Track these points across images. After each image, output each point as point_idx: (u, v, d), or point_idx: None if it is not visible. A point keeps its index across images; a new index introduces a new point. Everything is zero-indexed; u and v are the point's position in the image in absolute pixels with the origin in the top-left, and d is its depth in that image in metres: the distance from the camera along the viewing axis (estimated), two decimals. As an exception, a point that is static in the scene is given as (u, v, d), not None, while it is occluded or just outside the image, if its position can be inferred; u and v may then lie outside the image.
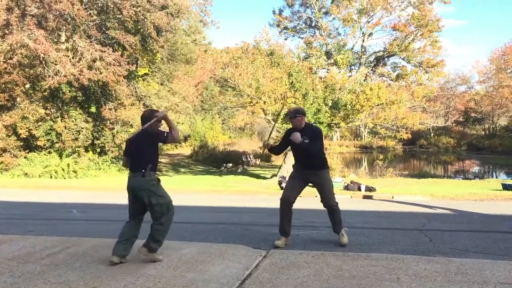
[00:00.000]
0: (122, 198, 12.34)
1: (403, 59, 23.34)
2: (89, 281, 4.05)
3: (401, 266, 4.54)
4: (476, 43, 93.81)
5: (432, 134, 56.99)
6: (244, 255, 4.96)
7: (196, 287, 3.89)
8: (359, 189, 13.83)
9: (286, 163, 20.06)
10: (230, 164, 29.34)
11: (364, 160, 40.34)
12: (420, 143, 55.31)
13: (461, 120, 57.99)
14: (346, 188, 14.39)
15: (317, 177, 5.76)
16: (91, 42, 20.08)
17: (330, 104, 19.04)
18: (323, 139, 6.11)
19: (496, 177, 27.64)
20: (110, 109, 22.23)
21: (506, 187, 14.98)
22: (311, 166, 5.74)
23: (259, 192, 14.09)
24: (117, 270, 4.37)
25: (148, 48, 23.13)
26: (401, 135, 21.92)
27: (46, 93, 21.57)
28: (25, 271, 4.33)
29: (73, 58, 19.63)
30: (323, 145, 6.03)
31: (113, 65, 19.60)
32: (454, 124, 58.28)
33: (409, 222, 7.87)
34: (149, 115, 4.81)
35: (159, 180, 4.88)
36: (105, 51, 19.51)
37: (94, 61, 19.56)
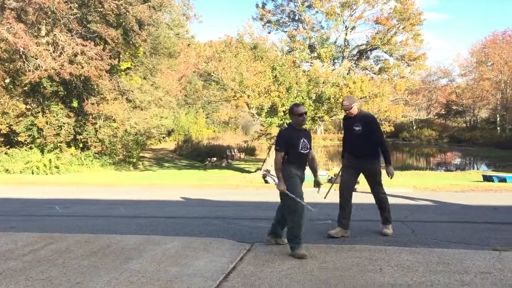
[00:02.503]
0: (105, 193, 12.31)
1: (385, 52, 23.50)
2: (72, 277, 4.01)
3: (383, 257, 4.60)
4: (457, 37, 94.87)
5: (414, 127, 57.65)
6: (229, 249, 4.97)
7: (180, 281, 3.88)
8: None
9: (270, 156, 20.11)
10: (215, 158, 29.31)
11: (348, 153, 40.50)
12: (402, 135, 55.96)
13: (443, 112, 58.74)
14: (330, 181, 14.46)
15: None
16: (72, 36, 19.79)
17: (313, 97, 19.08)
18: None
19: (477, 169, 28.11)
20: (92, 104, 22.00)
21: (486, 178, 15.25)
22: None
23: (244, 186, 14.10)
24: (100, 266, 4.34)
25: (131, 42, 22.90)
26: (384, 128, 22.09)
27: (26, 88, 21.24)
28: (7, 268, 4.28)
29: (53, 52, 19.33)
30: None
31: (95, 59, 19.36)
32: (436, 117, 59.00)
33: (392, 214, 7.95)
34: None
35: None
36: (86, 45, 19.25)
37: (75, 55, 19.30)
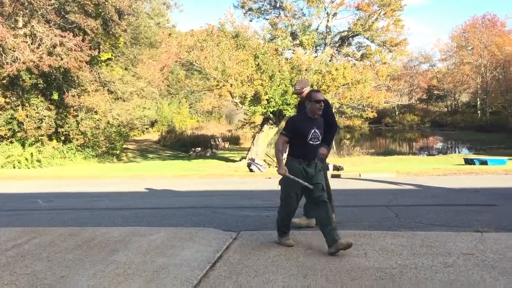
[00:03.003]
0: (88, 186, 12.20)
1: (367, 38, 23.54)
2: (57, 270, 3.98)
3: (368, 241, 4.65)
4: (437, 22, 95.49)
5: (397, 112, 58.16)
6: (215, 238, 4.97)
7: (167, 271, 3.88)
8: (327, 168, 13.99)
9: (255, 145, 20.13)
10: (199, 148, 29.22)
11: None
12: (385, 121, 56.45)
13: (425, 97, 59.32)
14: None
15: None
16: (50, 27, 19.43)
17: (296, 85, 19.09)
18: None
19: (459, 152, 28.50)
20: (73, 96, 21.70)
21: (468, 161, 15.48)
22: None
23: (229, 175, 14.10)
24: (85, 259, 4.31)
25: (110, 32, 22.58)
26: (367, 114, 22.22)
27: (5, 81, 20.84)
28: (-10, 264, 4.22)
29: (32, 44, 18.98)
30: None
31: (75, 50, 19.06)
32: (417, 102, 59.56)
33: (376, 198, 8.05)
34: None
35: None
36: (65, 36, 18.93)
37: (54, 46, 18.97)
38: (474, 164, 14.73)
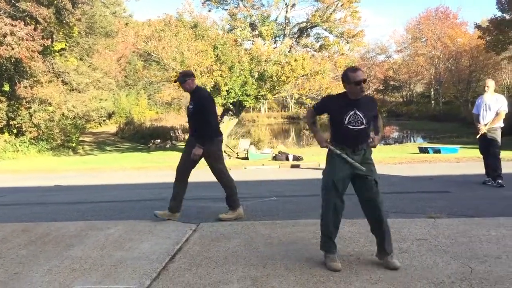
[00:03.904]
0: (43, 179, 11.83)
1: (325, 29, 23.77)
2: (10, 267, 3.85)
3: (327, 230, 4.72)
4: (394, 13, 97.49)
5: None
6: (174, 230, 4.93)
7: (125, 265, 3.82)
8: (287, 159, 14.13)
9: (215, 136, 20.03)
10: (158, 140, 28.84)
11: (292, 131, 41.23)
12: (343, 111, 57.28)
13: (381, 88, 60.61)
14: (275, 158, 14.65)
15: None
16: (0, 15, 18.62)
17: (256, 76, 19.09)
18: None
19: (414, 141, 29.38)
20: (25, 87, 20.93)
21: (422, 150, 15.95)
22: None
23: (189, 167, 13.97)
24: (39, 255, 4.19)
25: (64, 21, 21.87)
26: (327, 105, 22.50)
27: (-49, 71, 19.89)
28: None
29: (-21, 33, 18.16)
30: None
31: (26, 40, 18.38)
32: (374, 92, 60.74)
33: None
34: None
35: None
36: (16, 25, 18.21)
37: (4, 36, 18.21)
38: (428, 152, 15.19)
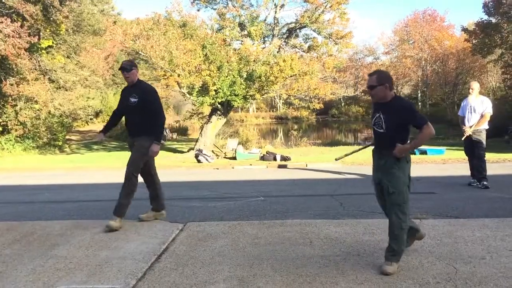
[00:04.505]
0: (28, 178, 11.69)
1: (314, 30, 23.76)
2: (-7, 267, 3.80)
3: (313, 230, 4.74)
4: (382, 14, 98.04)
5: (342, 104, 59.48)
6: (161, 230, 4.91)
7: (110, 265, 3.79)
8: (275, 159, 14.14)
9: (203, 136, 19.99)
10: (146, 139, 28.63)
11: (280, 131, 41.31)
12: (332, 112, 57.64)
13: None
14: (262, 158, 14.64)
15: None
16: (-15, 12, 18.39)
17: (245, 76, 19.05)
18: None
19: (401, 143, 29.51)
20: (11, 85, 20.62)
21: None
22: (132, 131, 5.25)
23: (176, 166, 13.93)
24: (24, 254, 4.14)
25: (51, 18, 21.60)
26: (314, 106, 22.53)
27: None
28: None
29: (-35, 29, 17.87)
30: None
31: (12, 37, 18.11)
32: (362, 94, 60.80)
33: (321, 188, 8.21)
34: None
35: None
36: (2, 22, 17.94)
37: (-11, 32, 17.96)
38: (414, 154, 15.29)
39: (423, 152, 15.07)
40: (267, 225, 5.00)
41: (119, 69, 5.08)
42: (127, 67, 5.04)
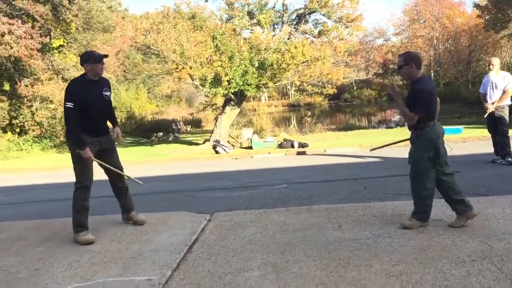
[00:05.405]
0: (49, 177, 11.83)
1: (323, 15, 23.56)
2: (30, 264, 3.88)
3: (341, 214, 4.74)
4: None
5: (355, 88, 59.04)
6: (189, 221, 4.94)
7: (144, 257, 3.84)
8: (292, 146, 14.12)
9: (218, 127, 20.02)
10: (161, 133, 28.83)
11: (293, 118, 41.19)
12: (344, 97, 57.24)
13: (381, 72, 60.33)
14: (280, 146, 14.65)
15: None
16: (-4, 14, 18.53)
17: (256, 65, 19.00)
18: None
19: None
20: (26, 86, 20.86)
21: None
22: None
23: (195, 158, 14.00)
24: (57, 250, 4.21)
25: (61, 17, 21.72)
26: (327, 91, 22.45)
27: (-49, 73, 19.83)
28: (-44, 263, 4.05)
29: (-23, 33, 18.06)
30: None
31: (24, 38, 18.27)
32: (374, 77, 60.54)
33: (343, 172, 8.18)
34: None
35: None
36: (13, 24, 18.09)
37: (2, 35, 18.11)
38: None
39: (441, 132, 14.94)
40: (294, 212, 5.01)
41: (100, 59, 4.54)
42: (103, 59, 4.63)
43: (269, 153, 13.41)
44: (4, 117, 20.93)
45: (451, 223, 4.09)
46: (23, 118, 21.64)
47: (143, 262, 3.72)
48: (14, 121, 21.65)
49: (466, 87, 39.35)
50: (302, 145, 14.06)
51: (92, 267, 3.69)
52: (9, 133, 21.68)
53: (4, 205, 7.76)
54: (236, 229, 4.52)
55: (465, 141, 12.21)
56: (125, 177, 4.84)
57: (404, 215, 4.48)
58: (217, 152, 14.61)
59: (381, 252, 3.56)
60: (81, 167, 4.56)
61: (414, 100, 4.02)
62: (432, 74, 51.67)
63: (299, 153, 12.88)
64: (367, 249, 3.66)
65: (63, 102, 4.51)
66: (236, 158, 12.66)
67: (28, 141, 21.92)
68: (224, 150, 14.56)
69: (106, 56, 4.77)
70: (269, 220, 4.72)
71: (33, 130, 21.71)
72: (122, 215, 4.99)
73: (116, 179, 4.90)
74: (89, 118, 4.50)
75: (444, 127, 14.22)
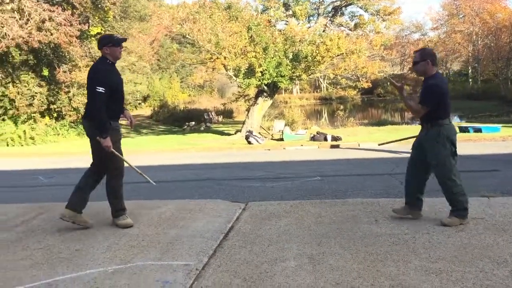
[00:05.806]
0: (85, 161, 12.09)
1: (360, 7, 23.27)
2: (71, 244, 3.98)
3: (377, 209, 4.69)
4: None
5: (388, 83, 58.06)
6: (224, 209, 4.98)
7: (181, 242, 3.89)
8: (326, 139, 14.04)
9: (250, 118, 20.06)
10: (193, 123, 29.09)
11: (324, 112, 40.90)
12: (377, 92, 56.39)
13: (416, 67, 59.16)
14: (313, 139, 14.58)
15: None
16: (38, 1, 18.95)
17: (291, 56, 18.92)
18: None
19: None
20: (64, 72, 21.36)
21: (462, 129, 15.55)
22: None
23: (227, 148, 14.09)
24: (97, 232, 4.31)
25: (99, 5, 22.11)
26: (362, 84, 22.19)
27: (-6, 58, 20.45)
28: (1, 239, 4.20)
29: (20, 19, 18.53)
30: None
31: (64, 25, 18.64)
32: (409, 72, 59.38)
33: (378, 167, 8.09)
34: None
35: None
36: (54, 11, 18.48)
37: (43, 22, 18.54)
38: (468, 132, 14.81)
39: (478, 130, 14.61)
40: (329, 204, 4.98)
41: (120, 43, 4.42)
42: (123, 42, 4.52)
43: (302, 145, 13.37)
44: (42, 102, 21.47)
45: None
46: (61, 103, 22.17)
47: (180, 247, 3.77)
48: (52, 106, 22.21)
49: (505, 85, 38.17)
50: (335, 138, 13.96)
51: (131, 250, 3.76)
52: (47, 117, 22.27)
53: (44, 186, 8.00)
54: (271, 219, 4.53)
55: (504, 139, 11.89)
56: (138, 173, 4.79)
57: (442, 212, 4.40)
58: (249, 142, 14.66)
59: (419, 248, 3.51)
60: (114, 155, 4.44)
61: (425, 95, 4.09)
62: (470, 71, 50.40)
63: (332, 146, 12.81)
64: (405, 244, 3.61)
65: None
66: (269, 149, 12.69)
67: (64, 126, 22.48)
68: (257, 141, 14.60)
69: (125, 39, 4.68)
70: (304, 212, 4.71)
71: (70, 116, 22.24)
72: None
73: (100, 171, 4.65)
74: (114, 102, 4.41)
75: (482, 125, 13.93)
